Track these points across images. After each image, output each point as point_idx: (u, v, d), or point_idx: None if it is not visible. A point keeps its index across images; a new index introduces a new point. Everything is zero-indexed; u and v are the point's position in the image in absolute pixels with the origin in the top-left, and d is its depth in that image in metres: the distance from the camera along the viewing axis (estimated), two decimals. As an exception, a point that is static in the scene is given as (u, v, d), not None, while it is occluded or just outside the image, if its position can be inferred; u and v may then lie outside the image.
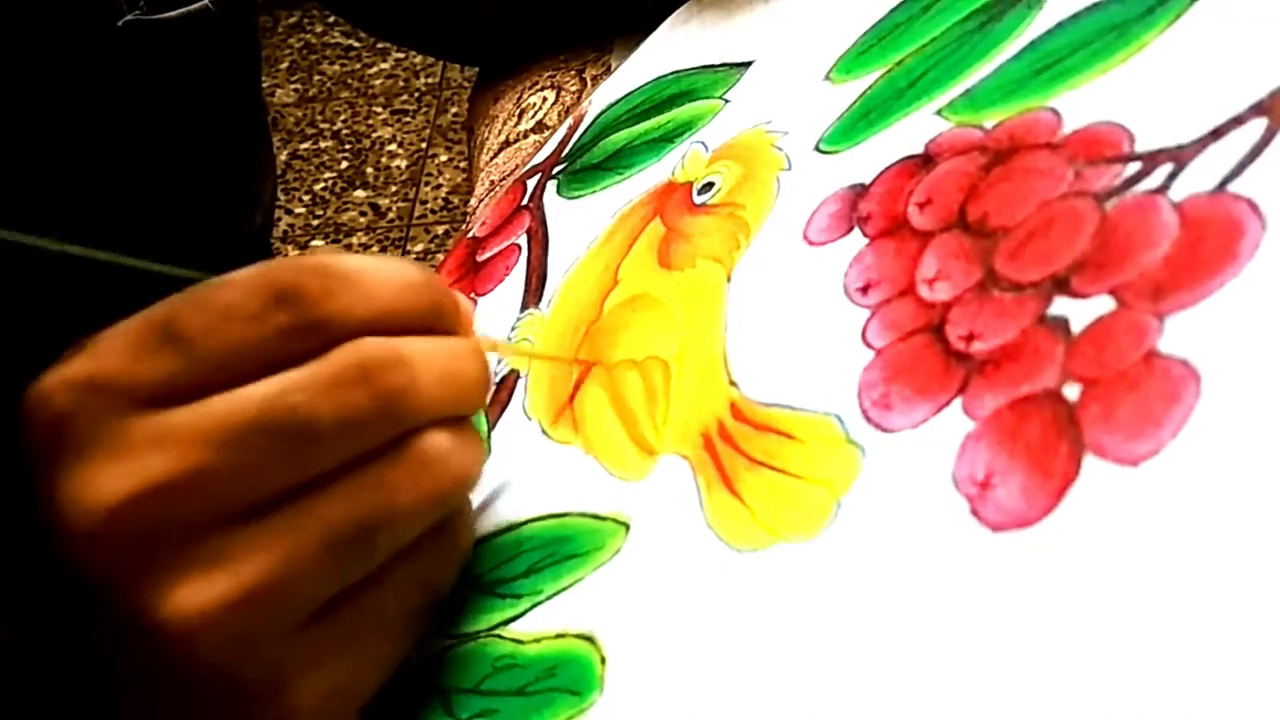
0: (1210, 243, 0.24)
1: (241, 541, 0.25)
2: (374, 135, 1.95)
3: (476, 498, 0.32)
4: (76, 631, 0.28)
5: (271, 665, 0.26)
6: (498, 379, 0.36)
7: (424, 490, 0.27)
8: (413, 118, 1.97)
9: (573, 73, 0.54)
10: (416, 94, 2.02)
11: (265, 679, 0.26)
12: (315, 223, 1.81)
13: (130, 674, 0.27)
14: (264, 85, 0.64)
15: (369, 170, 1.89)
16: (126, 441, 0.25)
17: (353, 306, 0.27)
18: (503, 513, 0.32)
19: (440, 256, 1.61)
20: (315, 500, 0.26)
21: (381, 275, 0.27)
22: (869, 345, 0.28)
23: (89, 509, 0.25)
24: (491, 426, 0.35)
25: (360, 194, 1.86)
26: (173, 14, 0.46)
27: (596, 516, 0.30)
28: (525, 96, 0.55)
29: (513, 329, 0.38)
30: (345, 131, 1.97)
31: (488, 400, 0.30)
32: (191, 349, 0.26)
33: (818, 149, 0.34)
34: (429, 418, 0.27)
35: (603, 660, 0.27)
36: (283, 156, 1.91)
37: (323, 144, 1.95)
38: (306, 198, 1.86)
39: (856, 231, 0.31)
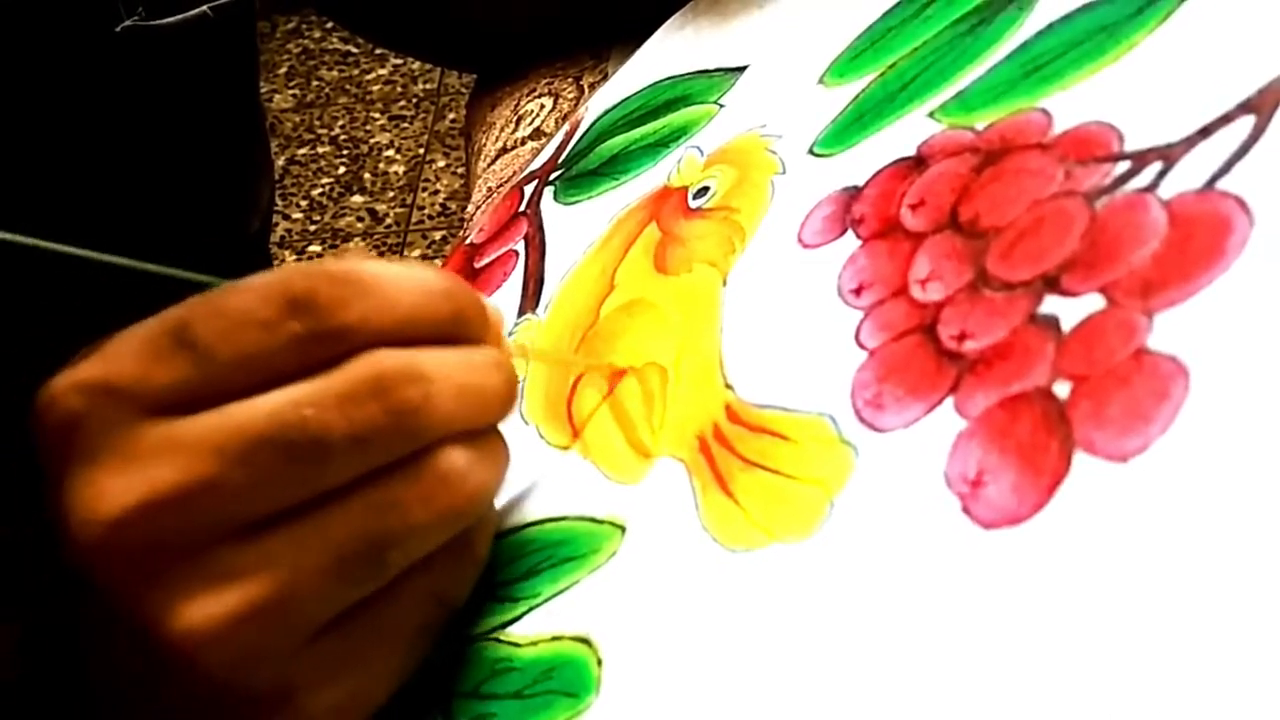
0: (1199, 240, 0.24)
1: (250, 556, 0.25)
2: (372, 141, 1.95)
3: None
4: (84, 634, 0.28)
5: (279, 678, 0.26)
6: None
7: (438, 508, 0.26)
8: (410, 123, 1.97)
9: (570, 80, 0.54)
10: (414, 100, 2.02)
11: (273, 692, 0.26)
12: (312, 228, 1.82)
13: (137, 680, 0.27)
14: (262, 90, 0.64)
15: (366, 176, 1.89)
16: (135, 449, 0.25)
17: (370, 315, 0.26)
18: (502, 517, 0.32)
19: (438, 262, 1.61)
20: (326, 516, 0.25)
21: (402, 283, 0.27)
22: (862, 346, 0.28)
23: (95, 518, 0.25)
24: None
25: (358, 199, 1.86)
26: (171, 20, 0.47)
27: (594, 520, 0.30)
28: (523, 103, 0.55)
29: (510, 335, 0.38)
30: (343, 137, 1.97)
31: (513, 411, 0.29)
32: (203, 356, 0.25)
33: (811, 152, 0.34)
34: (446, 433, 0.26)
35: (599, 662, 0.27)
36: (280, 161, 1.91)
37: (320, 149, 1.95)
38: (304, 203, 1.86)
39: (850, 233, 0.31)
